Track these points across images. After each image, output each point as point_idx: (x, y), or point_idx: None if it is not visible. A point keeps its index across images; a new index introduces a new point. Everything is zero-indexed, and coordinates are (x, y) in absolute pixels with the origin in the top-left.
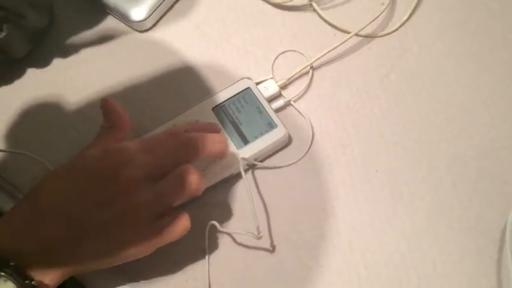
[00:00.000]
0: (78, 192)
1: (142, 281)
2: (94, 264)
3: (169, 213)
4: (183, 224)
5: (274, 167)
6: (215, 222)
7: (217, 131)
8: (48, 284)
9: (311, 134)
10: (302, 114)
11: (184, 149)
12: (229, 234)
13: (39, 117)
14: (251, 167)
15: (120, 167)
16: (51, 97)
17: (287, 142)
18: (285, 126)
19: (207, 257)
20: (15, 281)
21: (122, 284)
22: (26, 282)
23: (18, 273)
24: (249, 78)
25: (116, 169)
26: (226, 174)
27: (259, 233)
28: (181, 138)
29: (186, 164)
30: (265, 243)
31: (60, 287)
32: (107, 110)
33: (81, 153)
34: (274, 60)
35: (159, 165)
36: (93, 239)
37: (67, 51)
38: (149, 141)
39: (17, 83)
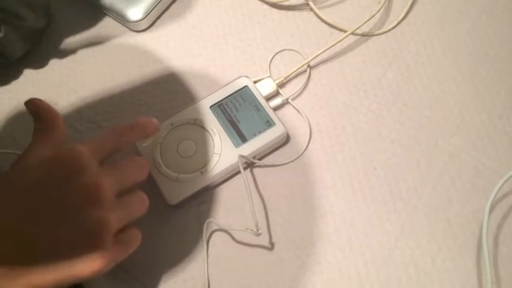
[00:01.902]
0: (32, 208)
1: (139, 280)
2: (49, 285)
3: (124, 229)
4: (137, 241)
5: (273, 165)
6: (213, 220)
7: (156, 126)
8: None
9: (309, 132)
10: (300, 112)
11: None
12: (227, 231)
13: None
14: (249, 165)
15: (75, 175)
16: (48, 97)
17: (285, 140)
18: (283, 124)
19: (205, 254)
20: None
21: (119, 285)
22: None
23: None
24: (246, 77)
25: (70, 178)
26: (225, 172)
27: (258, 230)
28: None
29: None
30: (264, 240)
31: None
32: (34, 108)
33: (22, 161)
34: (272, 59)
35: (120, 176)
36: (48, 260)
37: (64, 51)
38: (97, 143)
39: (14, 84)
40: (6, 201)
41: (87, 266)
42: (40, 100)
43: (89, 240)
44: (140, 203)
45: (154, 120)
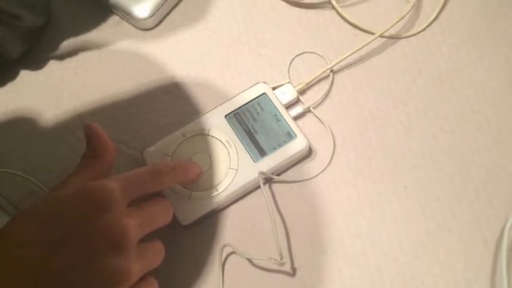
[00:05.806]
0: (50, 246)
1: None
2: None
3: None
4: None
5: (293, 181)
6: (231, 245)
7: (199, 172)
8: None
9: (332, 144)
10: (322, 122)
11: (165, 212)
12: (247, 259)
13: (34, 122)
14: (267, 180)
15: (100, 215)
16: (47, 100)
17: (307, 154)
18: (305, 136)
19: (220, 279)
20: None
21: None
22: None
23: None
24: (264, 83)
25: (95, 217)
26: (243, 189)
27: (281, 259)
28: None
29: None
30: (285, 265)
31: None
32: (90, 135)
33: (54, 192)
34: (291, 63)
35: (145, 221)
36: None
37: (64, 51)
38: (133, 181)
39: (10, 85)
40: (25, 236)
41: None
42: (98, 127)
43: None
44: (158, 253)
45: (198, 165)
